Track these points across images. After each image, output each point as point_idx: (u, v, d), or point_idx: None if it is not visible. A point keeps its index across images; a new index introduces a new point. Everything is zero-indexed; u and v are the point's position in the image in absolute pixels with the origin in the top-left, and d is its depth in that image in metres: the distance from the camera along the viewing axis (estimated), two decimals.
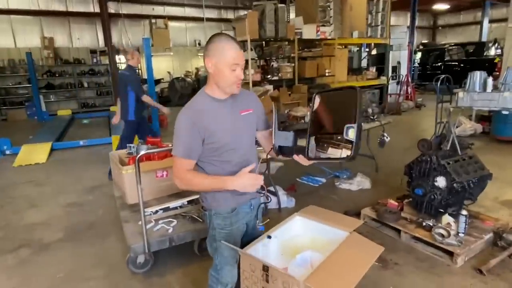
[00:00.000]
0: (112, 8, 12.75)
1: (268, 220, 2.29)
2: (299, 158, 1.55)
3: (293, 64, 7.71)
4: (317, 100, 1.57)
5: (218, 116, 1.56)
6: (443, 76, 5.52)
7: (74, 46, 12.96)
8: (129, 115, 4.65)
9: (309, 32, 7.67)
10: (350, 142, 1.35)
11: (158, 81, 13.05)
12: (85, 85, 12.76)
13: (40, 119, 10.58)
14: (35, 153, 6.33)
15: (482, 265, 2.56)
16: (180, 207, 2.97)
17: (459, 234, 2.79)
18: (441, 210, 2.99)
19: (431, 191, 2.93)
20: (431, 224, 2.88)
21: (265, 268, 1.57)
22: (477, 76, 4.41)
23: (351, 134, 1.34)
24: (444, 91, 5.66)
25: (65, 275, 2.75)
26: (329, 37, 8.16)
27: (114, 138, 7.21)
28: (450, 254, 2.69)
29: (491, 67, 11.99)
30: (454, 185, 2.84)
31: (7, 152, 6.55)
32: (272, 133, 1.57)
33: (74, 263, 2.91)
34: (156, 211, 2.90)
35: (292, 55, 7.69)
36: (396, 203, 3.31)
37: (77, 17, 12.83)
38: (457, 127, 6.69)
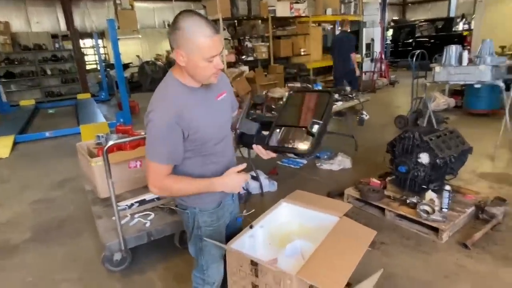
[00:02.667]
0: None
1: (253, 210, 2.15)
2: (258, 149, 1.44)
3: (267, 44, 7.51)
4: (290, 98, 1.57)
5: (198, 108, 1.34)
6: (418, 51, 5.54)
7: (33, 31, 12.08)
8: None
9: (282, 9, 7.46)
10: (312, 135, 1.33)
11: (126, 66, 12.47)
12: (49, 72, 11.96)
13: (1, 110, 9.88)
14: None
15: (467, 239, 2.57)
16: (157, 198, 2.78)
17: (443, 210, 2.78)
18: (424, 187, 2.97)
19: (415, 168, 2.90)
20: (415, 201, 2.85)
21: (254, 263, 1.45)
22: (453, 50, 4.39)
23: (315, 129, 1.33)
24: (418, 67, 5.69)
25: (34, 278, 2.54)
26: (303, 15, 7.97)
27: (83, 128, 6.83)
28: (435, 230, 2.69)
29: (460, 41, 12.23)
30: (437, 161, 2.81)
31: None
32: (238, 119, 1.50)
33: (44, 265, 2.70)
34: (131, 205, 2.71)
35: (267, 34, 7.47)
36: (379, 182, 3.27)
37: None
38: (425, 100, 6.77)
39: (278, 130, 1.43)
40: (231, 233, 1.68)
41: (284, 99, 1.55)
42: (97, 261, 2.58)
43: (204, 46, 1.20)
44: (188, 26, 1.19)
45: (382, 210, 3.01)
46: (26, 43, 11.55)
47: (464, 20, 16.63)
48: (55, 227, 3.26)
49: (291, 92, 1.58)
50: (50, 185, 4.31)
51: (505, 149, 4.39)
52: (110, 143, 2.15)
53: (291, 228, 1.90)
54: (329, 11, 8.78)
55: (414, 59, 5.37)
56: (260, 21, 7.79)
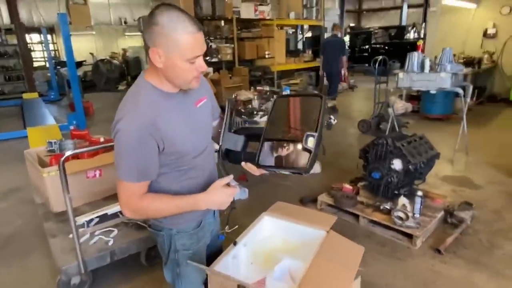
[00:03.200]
0: None
1: (237, 226, 1.98)
2: (248, 167, 1.27)
3: (232, 45, 7.35)
4: (276, 105, 1.36)
5: (175, 116, 1.15)
6: (380, 57, 5.69)
7: None
8: None
9: (247, 11, 7.36)
10: (308, 151, 1.18)
11: (79, 64, 11.67)
12: None
13: None
14: None
15: (439, 245, 2.60)
16: (121, 213, 2.53)
17: (415, 215, 2.80)
18: (396, 192, 2.99)
19: (388, 174, 2.90)
20: (389, 208, 2.86)
21: (241, 287, 1.31)
22: (415, 57, 4.53)
23: (311, 143, 1.17)
24: (372, 73, 5.82)
25: None
26: (267, 17, 7.93)
27: (30, 131, 6.22)
28: (408, 236, 2.70)
29: (412, 48, 12.86)
30: (410, 166, 2.83)
31: None
32: (221, 132, 1.32)
33: None
34: (91, 220, 2.43)
35: (231, 35, 7.32)
36: (351, 187, 3.25)
37: None
38: (388, 106, 7.02)
39: (268, 145, 1.26)
40: (212, 253, 1.52)
41: (270, 106, 1.34)
42: (51, 286, 2.27)
43: (185, 45, 1.04)
44: (168, 21, 1.01)
45: (356, 216, 2.99)
46: None
47: (414, 28, 17.60)
48: (1, 246, 2.86)
49: (276, 97, 1.40)
50: None
51: (462, 153, 4.61)
52: (69, 153, 1.88)
53: (275, 244, 1.77)
54: (292, 15, 8.83)
55: (377, 65, 5.50)
56: (223, 22, 7.63)
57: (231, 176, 1.27)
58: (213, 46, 7.18)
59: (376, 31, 16.72)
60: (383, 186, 2.93)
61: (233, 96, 4.17)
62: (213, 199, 1.19)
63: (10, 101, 10.08)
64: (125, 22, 14.14)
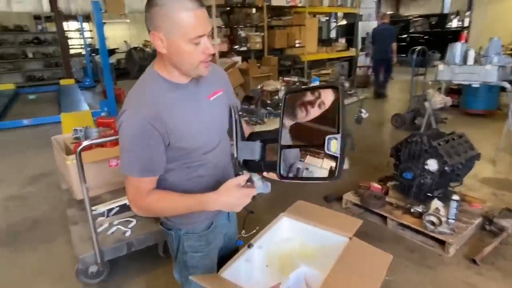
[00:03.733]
0: None
1: (255, 230, 1.90)
2: (271, 176, 1.16)
3: (262, 34, 7.18)
4: (288, 102, 1.16)
5: (183, 109, 1.07)
6: (419, 47, 5.32)
7: (14, 11, 11.40)
8: None
9: None
10: (333, 157, 1.00)
11: (112, 51, 11.95)
12: (30, 55, 11.38)
13: None
14: None
15: (475, 254, 2.39)
16: None
17: (449, 221, 2.59)
18: (429, 194, 2.78)
19: (421, 174, 2.69)
20: (420, 211, 2.66)
21: None
22: (458, 48, 4.19)
23: (334, 147, 1.00)
24: (409, 64, 5.47)
25: None
26: (299, 5, 7.66)
27: (64, 117, 6.44)
28: (441, 242, 2.50)
29: (455, 38, 12.10)
30: (446, 168, 2.61)
31: None
32: (234, 142, 1.19)
33: (11, 274, 2.41)
34: (110, 210, 2.43)
35: (261, 23, 7.14)
36: (380, 187, 3.06)
37: None
38: (425, 100, 6.62)
39: (287, 154, 1.12)
40: (225, 255, 1.44)
41: (281, 104, 1.16)
42: (71, 272, 2.30)
43: (186, 23, 0.95)
44: (166, 1, 0.95)
45: (384, 218, 2.81)
46: (6, 24, 10.93)
47: (458, 17, 16.50)
48: (27, 230, 2.96)
49: (286, 94, 1.17)
50: (25, 180, 3.97)
51: (506, 153, 4.24)
52: (85, 143, 1.86)
53: (293, 248, 1.66)
54: (325, 2, 8.49)
55: (415, 55, 5.16)
56: (254, 9, 7.46)
57: (247, 176, 1.14)
58: (242, 34, 7.05)
59: (416, 19, 15.83)
60: (415, 187, 2.73)
61: (259, 87, 4.04)
62: (224, 200, 1.08)
63: (49, 87, 10.51)
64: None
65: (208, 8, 6.35)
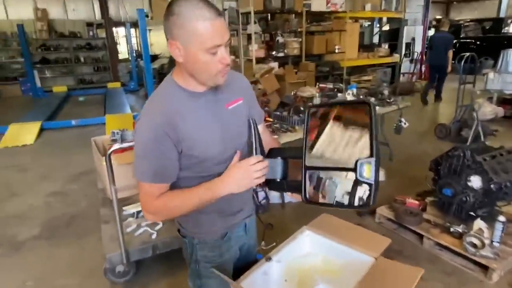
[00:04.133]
0: None
1: (277, 241, 1.84)
2: (295, 197, 1.10)
3: (300, 40, 7.12)
4: (312, 119, 1.07)
5: (199, 118, 1.06)
6: (468, 54, 4.99)
7: (70, 18, 12.29)
8: None
9: (318, 3, 7.03)
10: (367, 183, 0.91)
11: (155, 57, 12.45)
12: (82, 60, 12.17)
13: (35, 95, 10.13)
14: (23, 133, 5.93)
15: None
16: None
17: (494, 243, 2.37)
18: (472, 214, 2.56)
19: (463, 192, 2.49)
20: (461, 231, 2.46)
21: None
22: (511, 55, 3.85)
23: (367, 172, 0.90)
24: (457, 71, 5.12)
25: (34, 283, 2.39)
26: (340, 10, 7.51)
27: (108, 118, 6.79)
28: (483, 267, 2.29)
29: (510, 45, 11.25)
30: (491, 185, 2.39)
31: None
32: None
33: (46, 267, 2.55)
34: (140, 211, 2.49)
35: (300, 29, 7.08)
36: (417, 202, 2.88)
37: None
38: (473, 110, 6.20)
39: (312, 176, 1.04)
40: (242, 268, 1.40)
41: (305, 120, 1.09)
42: (100, 269, 2.38)
43: (203, 32, 0.94)
44: (184, 10, 0.94)
45: (420, 236, 2.63)
46: (62, 31, 11.78)
47: None
48: (65, 225, 3.13)
49: (310, 108, 1.09)
50: (68, 177, 4.22)
51: None
52: (115, 147, 1.92)
53: (314, 263, 1.59)
54: (368, 6, 8.24)
55: (463, 62, 4.84)
56: (293, 15, 7.42)
57: (260, 157, 1.06)
58: (280, 40, 7.03)
59: (467, 23, 14.93)
60: (455, 205, 2.52)
61: (292, 93, 3.99)
62: (229, 179, 1.04)
63: (97, 90, 11.15)
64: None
65: (247, 14, 6.42)
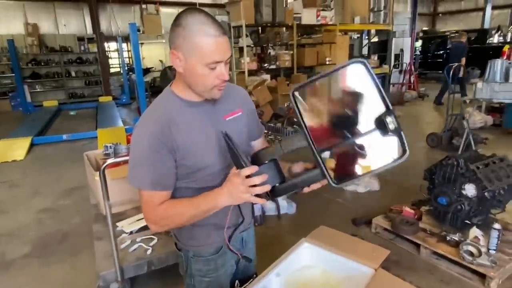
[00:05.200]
0: None
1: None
2: (318, 185, 1.01)
3: (291, 52, 7.21)
4: (300, 100, 0.96)
5: (193, 127, 1.07)
6: (456, 64, 5.09)
7: (61, 33, 12.27)
8: None
9: (309, 17, 7.16)
10: (395, 132, 0.86)
11: (147, 70, 12.47)
12: (73, 74, 12.11)
13: (25, 110, 10.02)
14: (13, 149, 5.84)
15: None
16: None
17: (490, 251, 2.38)
18: (467, 222, 2.57)
19: (458, 200, 2.51)
20: (457, 239, 2.46)
21: None
22: (498, 64, 3.96)
23: (392, 123, 0.85)
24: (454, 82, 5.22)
25: None
26: (330, 23, 7.64)
27: (100, 132, 6.72)
28: (481, 275, 2.29)
29: (496, 54, 11.53)
30: (486, 193, 2.41)
31: None
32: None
33: (39, 287, 2.47)
34: (132, 231, 2.44)
35: (291, 42, 7.18)
36: (413, 211, 2.88)
37: (63, 1, 12.12)
38: (463, 118, 6.31)
39: (332, 154, 0.95)
40: (240, 280, 1.38)
41: (293, 104, 0.97)
42: (94, 287, 2.32)
43: (205, 48, 0.97)
44: (191, 23, 0.97)
45: (417, 246, 2.63)
46: (53, 45, 11.75)
47: (499, 32, 15.78)
48: (57, 242, 3.05)
49: (295, 91, 0.96)
50: (59, 193, 4.14)
51: None
52: (108, 161, 1.90)
53: (313, 276, 1.57)
54: (357, 19, 8.41)
55: (451, 72, 4.94)
56: (284, 28, 7.53)
57: (255, 168, 0.96)
58: (272, 53, 7.11)
59: (453, 34, 15.31)
60: (451, 214, 2.54)
61: (285, 105, 4.01)
62: (225, 189, 1.00)
63: (88, 104, 11.09)
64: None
65: (239, 28, 6.49)
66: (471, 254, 2.32)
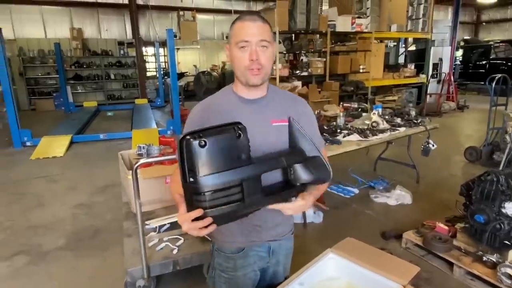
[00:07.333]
0: None
1: None
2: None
3: (324, 59, 7.14)
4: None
5: (234, 118, 1.02)
6: (500, 75, 4.83)
7: (102, 38, 12.93)
8: None
9: (343, 24, 7.07)
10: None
11: (182, 75, 12.80)
12: (112, 77, 12.70)
13: (66, 110, 10.59)
14: (54, 146, 6.18)
15: None
16: None
17: None
18: (507, 243, 2.41)
19: (497, 219, 2.36)
20: (495, 260, 2.31)
21: None
22: None
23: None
24: (488, 93, 4.95)
25: None
26: (365, 30, 7.51)
27: (135, 133, 6.97)
28: None
29: None
30: None
31: (27, 143, 6.43)
32: None
33: (69, 278, 2.59)
34: (162, 226, 2.51)
35: (324, 49, 7.12)
36: (447, 228, 2.75)
37: (106, 8, 12.78)
38: (506, 132, 5.94)
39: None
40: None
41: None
42: (121, 282, 2.39)
43: (235, 29, 1.11)
44: (237, 20, 1.14)
45: (450, 264, 2.50)
46: (95, 49, 12.39)
47: None
48: (89, 237, 3.18)
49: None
50: (94, 189, 4.32)
51: None
52: (141, 161, 1.96)
53: (338, 287, 1.54)
54: (394, 27, 8.21)
55: (494, 83, 4.69)
56: (318, 35, 7.48)
57: (200, 211, 0.87)
58: (304, 60, 7.08)
59: (497, 44, 14.55)
60: (488, 233, 2.39)
61: (316, 112, 3.97)
62: (182, 210, 0.96)
63: (125, 105, 11.54)
64: (227, 37, 15.01)
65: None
66: (510, 277, 2.17)
